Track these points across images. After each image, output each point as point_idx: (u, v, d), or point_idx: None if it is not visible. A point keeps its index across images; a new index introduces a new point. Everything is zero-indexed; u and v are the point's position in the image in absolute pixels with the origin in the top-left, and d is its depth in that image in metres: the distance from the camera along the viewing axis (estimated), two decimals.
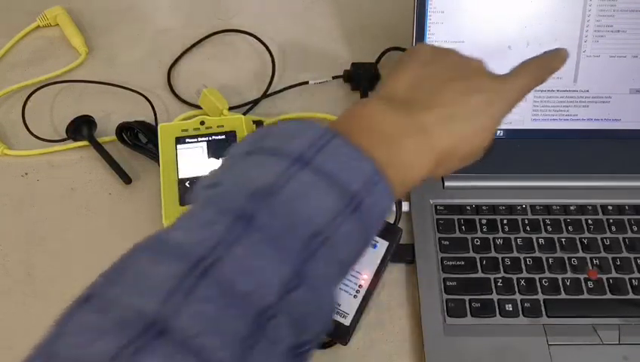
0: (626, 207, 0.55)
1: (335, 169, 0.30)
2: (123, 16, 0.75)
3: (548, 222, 0.54)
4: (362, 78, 0.66)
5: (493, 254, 0.52)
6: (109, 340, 0.24)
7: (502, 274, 0.51)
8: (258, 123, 0.60)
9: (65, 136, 0.62)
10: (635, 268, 0.52)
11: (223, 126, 0.55)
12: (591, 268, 0.52)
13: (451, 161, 0.36)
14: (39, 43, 0.73)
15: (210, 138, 0.54)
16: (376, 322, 0.51)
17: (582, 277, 0.51)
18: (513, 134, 0.57)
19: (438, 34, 0.54)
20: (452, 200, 0.56)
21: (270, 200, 0.29)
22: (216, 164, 0.42)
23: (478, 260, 0.52)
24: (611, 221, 0.55)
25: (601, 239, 0.53)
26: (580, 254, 0.53)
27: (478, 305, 0.50)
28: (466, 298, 0.50)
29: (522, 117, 0.57)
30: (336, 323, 0.48)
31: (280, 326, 0.28)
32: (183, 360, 0.24)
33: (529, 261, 0.52)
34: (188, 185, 0.51)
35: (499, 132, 0.57)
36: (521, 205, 0.56)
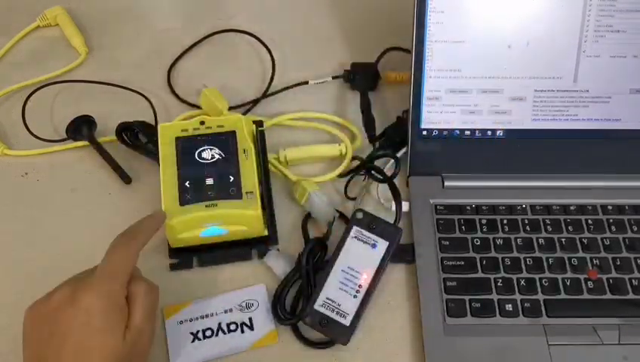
0: (626, 207, 0.55)
1: None
2: (123, 16, 0.75)
3: (548, 222, 0.54)
4: (362, 78, 0.66)
5: (493, 254, 0.53)
6: None
7: (502, 274, 0.51)
8: (258, 123, 0.60)
9: (65, 136, 0.62)
10: (635, 268, 0.52)
11: (222, 126, 0.55)
12: (591, 268, 0.52)
13: None
14: (39, 43, 0.73)
15: (210, 138, 0.54)
16: (376, 322, 0.51)
17: (582, 277, 0.51)
18: (513, 134, 0.57)
19: (438, 34, 0.54)
20: (452, 200, 0.56)
21: None
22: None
23: (478, 260, 0.52)
24: (611, 221, 0.55)
25: (601, 239, 0.53)
26: (580, 254, 0.53)
27: (478, 305, 0.50)
28: (466, 298, 0.50)
29: (522, 117, 0.57)
30: (336, 323, 0.48)
31: None
32: None
33: (529, 261, 0.52)
34: (188, 185, 0.51)
35: (499, 132, 0.57)
36: (521, 205, 0.56)
